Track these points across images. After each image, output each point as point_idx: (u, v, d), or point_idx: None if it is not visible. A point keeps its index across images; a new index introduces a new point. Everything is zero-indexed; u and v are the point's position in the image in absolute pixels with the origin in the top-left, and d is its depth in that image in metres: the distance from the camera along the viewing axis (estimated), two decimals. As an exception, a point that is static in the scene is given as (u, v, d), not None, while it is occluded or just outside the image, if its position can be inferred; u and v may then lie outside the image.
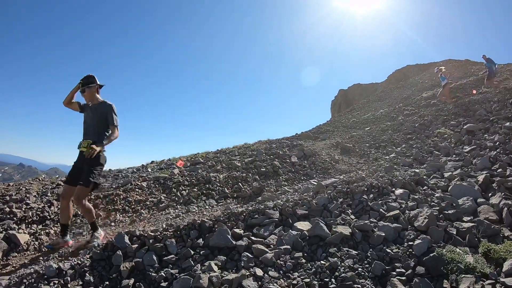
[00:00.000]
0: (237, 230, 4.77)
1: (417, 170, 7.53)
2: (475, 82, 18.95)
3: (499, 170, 6.88)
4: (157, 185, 8.37)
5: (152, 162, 11.60)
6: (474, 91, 16.44)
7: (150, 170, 9.99)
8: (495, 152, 7.89)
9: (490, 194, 5.92)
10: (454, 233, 4.57)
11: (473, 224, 4.75)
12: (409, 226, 4.83)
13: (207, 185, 8.35)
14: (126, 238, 4.44)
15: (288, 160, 10.06)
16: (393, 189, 6.19)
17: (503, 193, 5.65)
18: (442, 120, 12.37)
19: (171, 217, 6.60)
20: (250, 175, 9.09)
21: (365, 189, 6.08)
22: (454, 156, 8.64)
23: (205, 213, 6.62)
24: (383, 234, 4.53)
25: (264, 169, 9.38)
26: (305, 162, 9.98)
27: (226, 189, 8.21)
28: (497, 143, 8.52)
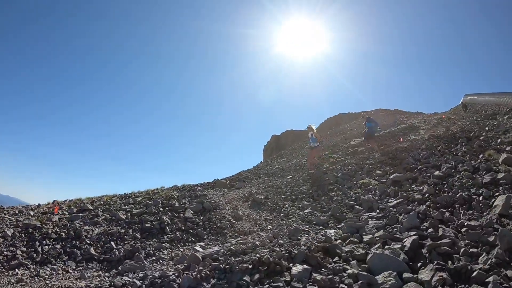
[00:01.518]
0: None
1: (330, 232, 6.14)
2: (403, 130, 18.62)
3: (429, 230, 5.75)
4: (23, 235, 6.99)
5: (46, 204, 9.91)
6: (401, 139, 15.85)
7: (31, 214, 8.41)
8: (424, 206, 6.78)
9: (419, 265, 4.69)
10: None
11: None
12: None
13: (75, 242, 6.96)
14: None
15: (182, 215, 8.39)
16: (291, 265, 4.55)
17: (435, 263, 4.46)
18: (368, 169, 11.26)
19: (13, 281, 5.57)
20: (131, 231, 7.54)
21: (250, 266, 4.37)
22: (377, 211, 7.42)
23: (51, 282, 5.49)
24: None
25: (149, 225, 7.79)
26: (201, 218, 8.32)
27: (93, 249, 6.78)
28: (426, 194, 7.53)
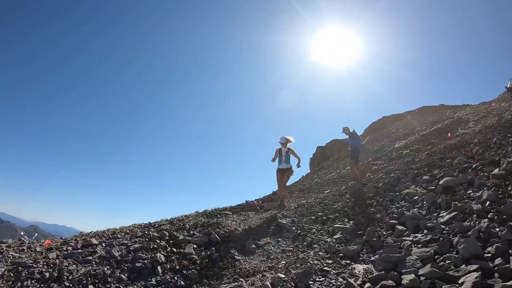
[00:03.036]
0: None
1: (358, 269, 4.53)
2: (450, 125, 16.45)
3: (497, 261, 3.94)
4: (12, 274, 6.11)
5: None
6: (449, 134, 13.77)
7: (37, 249, 7.50)
8: (486, 221, 4.99)
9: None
10: None
11: None
12: None
13: (53, 284, 5.92)
14: None
15: (182, 250, 7.07)
16: None
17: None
18: (413, 175, 9.39)
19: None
20: (118, 272, 6.39)
21: None
22: (425, 232, 5.64)
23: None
24: None
25: (140, 264, 6.57)
26: (202, 254, 6.89)
27: None
28: (487, 202, 5.71)
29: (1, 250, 7.66)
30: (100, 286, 5.90)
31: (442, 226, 5.51)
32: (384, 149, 18.35)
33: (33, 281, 5.96)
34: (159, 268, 6.33)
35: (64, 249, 7.67)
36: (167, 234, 7.96)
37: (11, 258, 6.99)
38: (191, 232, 8.04)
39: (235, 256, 6.55)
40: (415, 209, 6.86)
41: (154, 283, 5.99)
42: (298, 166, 10.77)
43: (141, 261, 6.58)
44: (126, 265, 6.54)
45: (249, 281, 5.37)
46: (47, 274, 6.10)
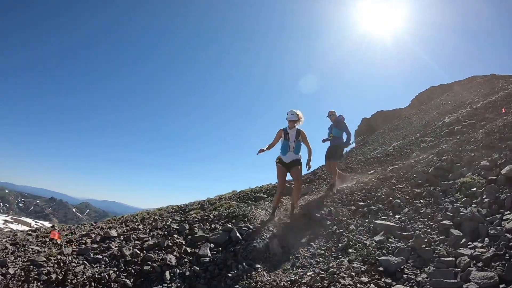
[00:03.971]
0: None
1: None
2: (505, 97, 14.66)
3: None
4: (23, 273, 5.80)
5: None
6: (503, 109, 12.17)
7: (59, 242, 7.44)
8: None
9: None
10: None
11: None
12: None
13: None
14: None
15: (196, 251, 6.38)
16: None
17: None
18: (469, 158, 8.10)
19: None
20: (124, 276, 5.86)
21: None
22: (486, 241, 4.53)
23: None
24: None
25: (149, 267, 5.95)
26: (218, 256, 6.12)
27: None
28: None
29: (25, 243, 7.50)
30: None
31: (508, 235, 4.43)
32: (432, 124, 16.81)
33: (38, 284, 5.66)
34: (167, 273, 5.65)
35: (83, 242, 7.35)
36: (187, 227, 7.33)
37: (30, 252, 6.87)
38: (213, 226, 7.30)
39: (253, 264, 5.69)
40: (474, 206, 5.73)
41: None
42: (308, 166, 7.47)
43: (150, 263, 5.94)
44: (135, 267, 5.93)
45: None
46: (53, 276, 5.75)
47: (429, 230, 5.51)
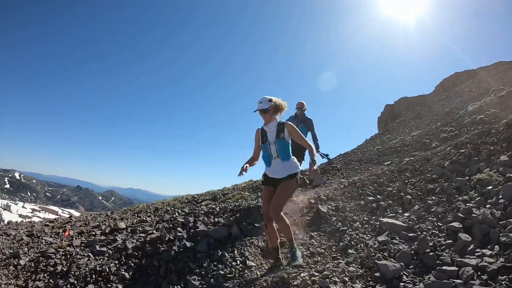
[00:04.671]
0: None
1: None
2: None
3: None
4: (33, 264, 5.98)
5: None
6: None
7: (71, 234, 7.49)
8: None
9: None
10: None
11: None
12: None
13: (59, 280, 5.50)
14: None
15: (194, 245, 6.28)
16: None
17: None
18: (488, 152, 7.56)
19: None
20: (124, 269, 5.85)
21: None
22: (496, 248, 4.11)
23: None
24: None
25: (148, 261, 5.96)
26: (213, 253, 5.90)
27: None
28: None
29: (39, 234, 7.60)
30: (101, 285, 5.34)
31: (524, 242, 4.03)
32: (455, 112, 16.03)
33: (45, 275, 5.69)
34: (164, 268, 5.61)
35: (93, 233, 7.53)
36: (191, 220, 7.17)
37: (43, 243, 7.01)
38: (216, 220, 7.11)
39: (247, 261, 5.45)
40: (488, 207, 5.30)
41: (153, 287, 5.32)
42: (313, 170, 4.69)
43: (149, 257, 5.91)
44: (135, 261, 5.91)
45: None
46: (59, 268, 5.78)
47: (437, 232, 5.10)
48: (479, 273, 3.68)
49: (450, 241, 4.69)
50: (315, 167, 4.66)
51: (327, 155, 8.19)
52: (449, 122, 13.92)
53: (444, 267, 3.97)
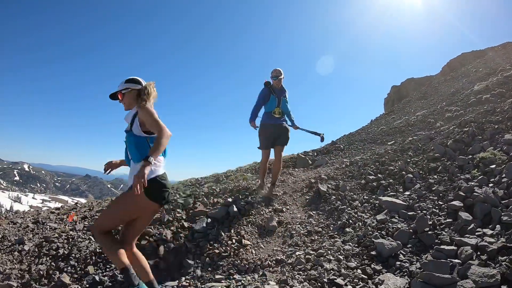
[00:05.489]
0: None
1: None
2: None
3: None
4: (37, 249, 5.80)
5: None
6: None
7: (74, 219, 7.36)
8: None
9: None
10: None
11: None
12: None
13: (60, 262, 5.43)
14: None
15: (192, 225, 6.15)
16: None
17: None
18: (492, 131, 7.33)
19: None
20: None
21: None
22: (497, 228, 3.94)
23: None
24: None
25: (146, 241, 5.72)
26: (209, 232, 5.82)
27: (69, 278, 5.03)
28: None
29: (44, 221, 7.60)
30: (101, 265, 5.26)
31: (526, 222, 3.85)
32: (461, 92, 15.68)
33: (47, 258, 5.70)
34: (161, 248, 5.48)
35: (96, 217, 7.40)
36: (191, 201, 7.06)
37: (48, 229, 6.96)
38: (215, 200, 6.99)
39: (243, 240, 5.37)
40: (490, 186, 5.11)
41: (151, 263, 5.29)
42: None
43: (147, 237, 5.79)
44: (135, 242, 5.88)
45: (242, 282, 4.22)
46: (61, 251, 5.79)
47: (437, 211, 4.95)
48: (478, 253, 3.52)
49: (450, 220, 4.54)
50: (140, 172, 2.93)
51: (319, 134, 7.71)
52: (455, 102, 13.63)
53: (443, 246, 3.80)
